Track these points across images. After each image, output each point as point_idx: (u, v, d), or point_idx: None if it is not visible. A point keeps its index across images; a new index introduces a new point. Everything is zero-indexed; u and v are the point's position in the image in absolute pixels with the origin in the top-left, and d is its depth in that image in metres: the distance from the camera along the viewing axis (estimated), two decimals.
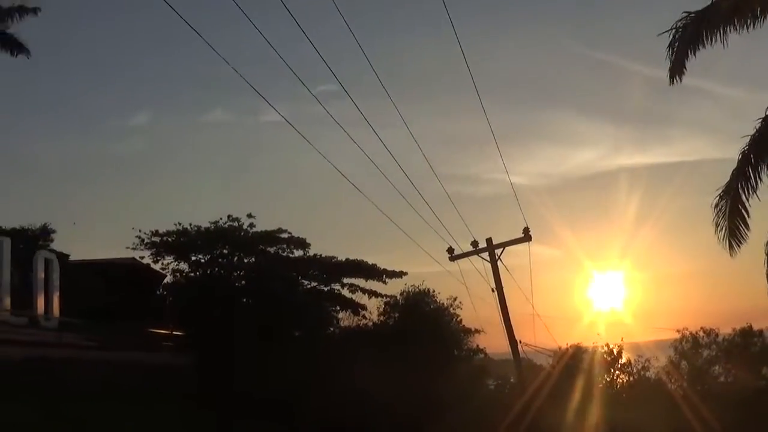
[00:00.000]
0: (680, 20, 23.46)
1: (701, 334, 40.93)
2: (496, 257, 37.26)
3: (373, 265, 44.41)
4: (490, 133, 39.92)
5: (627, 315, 57.97)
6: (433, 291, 43.79)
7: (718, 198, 24.57)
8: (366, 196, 27.39)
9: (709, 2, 23.16)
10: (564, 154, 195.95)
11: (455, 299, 43.87)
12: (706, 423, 32.56)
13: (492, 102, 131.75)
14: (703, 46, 23.26)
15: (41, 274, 39.24)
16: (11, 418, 20.55)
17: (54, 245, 47.41)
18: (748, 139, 23.89)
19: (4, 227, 44.55)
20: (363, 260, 44.55)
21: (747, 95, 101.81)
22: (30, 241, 45.31)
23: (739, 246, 24.63)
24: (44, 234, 48.48)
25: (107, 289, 42.55)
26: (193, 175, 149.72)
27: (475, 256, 37.78)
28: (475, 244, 37.43)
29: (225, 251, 39.95)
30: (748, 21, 22.73)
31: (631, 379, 42.05)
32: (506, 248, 37.67)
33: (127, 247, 39.73)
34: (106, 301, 40.89)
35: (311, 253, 42.61)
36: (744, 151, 23.95)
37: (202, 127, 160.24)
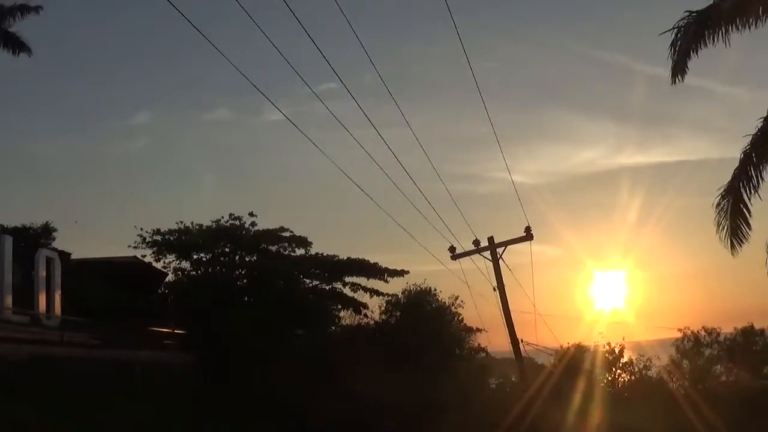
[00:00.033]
0: (682, 19, 23.48)
1: (703, 333, 40.93)
2: (498, 256, 37.29)
3: (375, 264, 44.44)
4: (492, 132, 39.96)
5: (629, 314, 58.11)
6: (435, 290, 43.80)
7: (719, 197, 24.60)
8: (368, 194, 27.41)
9: (711, 2, 23.18)
10: (566, 153, 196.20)
11: (457, 298, 43.89)
12: (707, 422, 32.55)
13: (494, 101, 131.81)
14: (705, 46, 23.27)
15: (43, 273, 39.30)
16: (13, 415, 20.56)
17: (55, 244, 47.48)
18: (749, 139, 23.91)
19: (5, 226, 44.60)
20: (365, 259, 44.61)
21: (749, 94, 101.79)
22: (32, 240, 45.36)
23: (740, 245, 24.67)
24: (46, 232, 48.54)
25: (109, 288, 42.62)
26: (195, 174, 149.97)
27: (477, 254, 37.81)
28: (476, 242, 37.45)
29: (227, 250, 40.00)
30: (750, 20, 22.74)
31: (633, 378, 42.02)
32: (508, 247, 37.71)
33: (129, 246, 39.80)
34: (108, 300, 40.96)
35: (313, 251, 42.71)
36: (746, 151, 23.97)
37: (203, 126, 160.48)
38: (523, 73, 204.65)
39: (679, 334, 41.46)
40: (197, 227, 39.71)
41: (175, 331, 40.21)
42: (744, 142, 24.11)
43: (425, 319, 40.94)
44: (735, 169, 24.24)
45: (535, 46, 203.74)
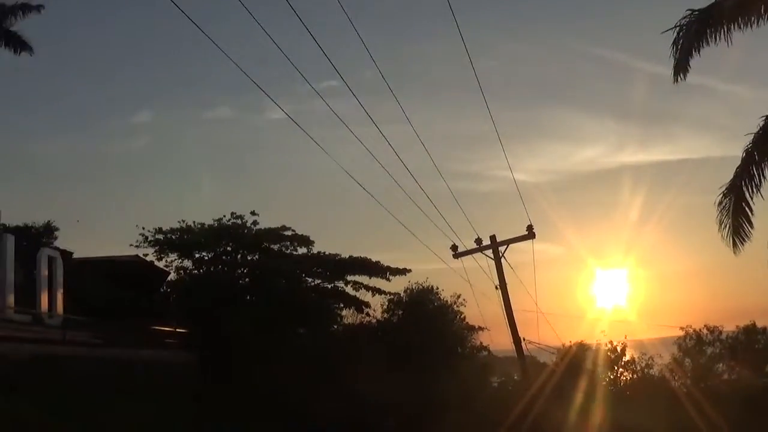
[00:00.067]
0: (684, 18, 23.46)
1: (705, 331, 40.93)
2: (500, 254, 37.28)
3: (377, 263, 44.37)
4: (492, 130, 39.85)
5: (631, 312, 58.06)
6: (437, 288, 43.85)
7: (721, 196, 24.60)
8: (370, 193, 27.43)
9: (713, 0, 23.16)
10: (568, 151, 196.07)
11: (459, 296, 43.93)
12: (709, 420, 32.55)
13: (495, 99, 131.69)
14: (707, 44, 23.26)
15: (45, 272, 39.30)
16: (15, 415, 20.57)
17: (57, 243, 47.47)
18: (751, 137, 23.89)
19: (7, 225, 44.56)
20: (367, 258, 44.53)
21: (751, 93, 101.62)
22: (33, 239, 45.35)
23: (742, 243, 24.68)
24: (48, 231, 48.52)
25: (111, 287, 42.62)
26: (196, 173, 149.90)
27: (479, 253, 37.79)
28: (479, 241, 37.44)
29: (229, 249, 39.97)
30: (752, 19, 22.72)
31: (635, 376, 42.02)
32: (510, 245, 37.70)
33: (131, 245, 39.75)
34: (110, 299, 40.96)
35: (315, 250, 42.62)
36: (748, 149, 23.96)
37: (205, 124, 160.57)
38: (524, 72, 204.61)
39: (682, 333, 41.48)
40: (199, 226, 39.69)
41: (177, 330, 40.20)
42: (746, 141, 24.12)
43: (427, 317, 40.97)
44: (737, 168, 24.24)
45: (535, 45, 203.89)
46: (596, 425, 35.51)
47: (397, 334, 39.15)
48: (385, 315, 43.04)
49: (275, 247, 41.21)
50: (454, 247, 37.78)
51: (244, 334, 32.33)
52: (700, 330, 41.02)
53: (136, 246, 39.61)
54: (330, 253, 43.26)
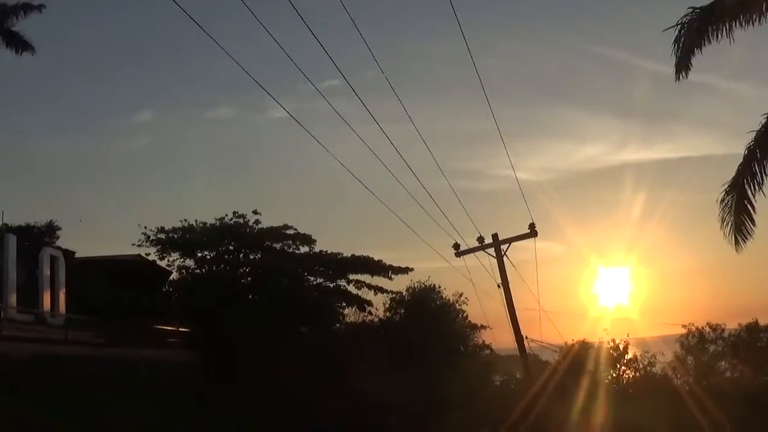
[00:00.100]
0: (685, 16, 23.42)
1: (707, 329, 40.86)
2: (502, 253, 37.28)
3: (379, 261, 44.39)
4: (495, 128, 39.93)
5: (633, 310, 57.93)
6: (439, 287, 43.90)
7: (723, 193, 24.53)
8: (372, 191, 27.40)
9: None
10: (569, 149, 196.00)
11: (461, 295, 43.97)
12: (712, 418, 32.51)
13: (496, 98, 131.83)
14: (709, 42, 23.22)
15: (47, 272, 39.30)
16: (17, 414, 20.59)
17: (60, 242, 47.44)
18: (753, 135, 23.85)
19: (9, 224, 44.63)
20: (369, 256, 44.56)
21: (752, 91, 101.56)
22: (36, 239, 45.35)
23: (745, 241, 24.61)
24: (50, 231, 48.53)
25: (113, 286, 42.60)
26: (198, 172, 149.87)
27: (481, 251, 37.79)
28: (480, 239, 37.42)
29: (231, 248, 40.02)
30: (754, 17, 22.69)
31: (637, 374, 41.96)
32: (512, 244, 37.69)
33: (133, 244, 39.84)
34: (112, 298, 40.94)
35: (317, 249, 42.68)
36: (750, 147, 23.91)
37: (206, 124, 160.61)
38: (526, 70, 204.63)
39: (684, 331, 41.41)
40: (201, 225, 39.73)
41: (179, 329, 40.22)
42: (748, 138, 24.06)
43: (429, 316, 40.99)
44: (739, 165, 24.18)
45: (537, 43, 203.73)
46: (599, 423, 35.49)
47: (400, 332, 39.18)
48: (388, 314, 43.08)
49: (277, 246, 41.24)
50: (456, 246, 37.78)
51: (246, 333, 32.37)
52: (702, 328, 40.95)
53: (139, 245, 39.73)
54: (332, 252, 43.29)
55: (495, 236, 37.21)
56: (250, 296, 38.96)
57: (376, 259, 44.56)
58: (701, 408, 33.21)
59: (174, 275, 43.11)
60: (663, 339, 46.06)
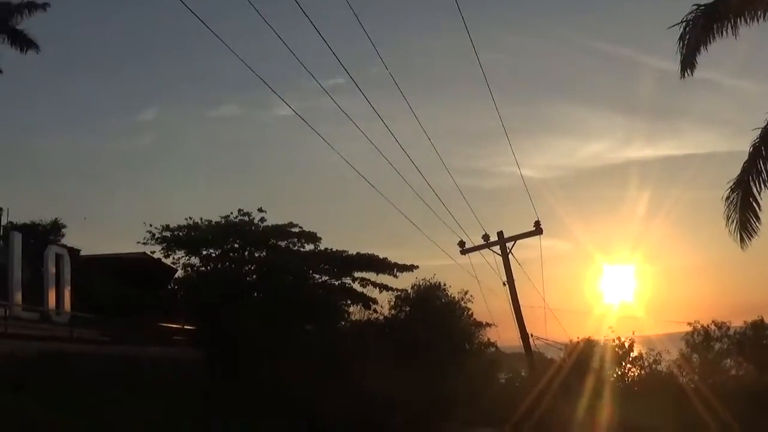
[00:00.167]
0: (690, 13, 23.41)
1: (713, 327, 40.73)
2: (508, 250, 37.31)
3: (384, 259, 44.33)
4: (500, 126, 40.01)
5: (638, 308, 57.82)
6: (444, 284, 43.78)
7: (729, 191, 24.54)
8: (377, 189, 27.45)
9: None
10: (574, 146, 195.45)
11: (466, 293, 43.85)
12: (717, 416, 32.47)
13: (501, 94, 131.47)
14: (714, 39, 23.23)
15: (52, 269, 39.44)
16: (23, 412, 20.61)
17: (65, 240, 47.68)
18: (759, 132, 23.83)
19: (15, 222, 44.78)
20: (374, 254, 44.47)
21: (757, 87, 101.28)
22: (41, 237, 45.53)
23: (750, 239, 24.62)
24: (55, 229, 48.70)
25: (118, 284, 42.74)
26: (203, 170, 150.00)
27: (487, 249, 37.85)
28: (486, 237, 37.52)
29: (236, 246, 39.97)
30: (759, 13, 22.69)
31: (643, 372, 41.86)
32: (517, 241, 37.73)
33: (138, 242, 39.76)
34: (117, 296, 41.07)
35: (322, 247, 42.62)
36: (755, 144, 23.90)
37: (211, 122, 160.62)
38: (529, 66, 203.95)
39: (689, 328, 41.32)
40: (206, 223, 39.69)
41: (185, 327, 40.25)
42: (753, 136, 24.06)
43: (434, 314, 40.93)
44: (744, 163, 24.18)
45: (540, 39, 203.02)
46: (604, 421, 35.43)
47: (405, 330, 39.12)
48: (393, 311, 42.98)
49: (282, 243, 41.20)
50: (461, 244, 37.86)
51: (251, 331, 32.35)
52: (707, 326, 40.83)
53: (144, 243, 39.63)
54: (337, 250, 43.25)
55: (500, 234, 37.31)
56: (256, 294, 38.95)
57: (381, 256, 44.53)
58: (706, 406, 33.18)
59: (179, 273, 43.06)
60: (668, 337, 45.93)
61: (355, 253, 43.79)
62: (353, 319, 43.01)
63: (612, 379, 40.00)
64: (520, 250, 38.17)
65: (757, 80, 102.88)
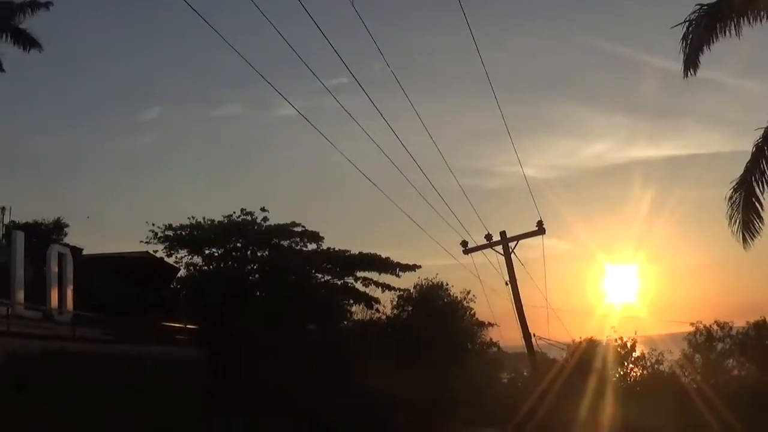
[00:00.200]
0: (693, 13, 23.40)
1: (715, 327, 40.71)
2: (510, 250, 37.31)
3: (387, 259, 44.36)
4: (502, 125, 39.85)
5: (641, 308, 57.77)
6: (447, 284, 43.79)
7: (731, 191, 24.53)
8: (379, 188, 27.46)
9: None
10: (577, 146, 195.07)
11: (469, 292, 43.85)
12: (719, 416, 32.45)
13: (504, 93, 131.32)
14: (717, 39, 23.22)
15: (55, 268, 39.49)
16: (25, 411, 20.62)
17: (67, 239, 47.77)
18: (761, 132, 23.82)
19: (17, 221, 44.83)
20: (376, 254, 44.51)
21: (760, 87, 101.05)
22: (43, 235, 45.58)
23: (752, 239, 24.61)
24: (58, 228, 48.76)
25: (121, 283, 42.77)
26: (206, 169, 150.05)
27: (489, 249, 37.84)
28: (488, 237, 37.52)
29: (238, 245, 40.00)
30: (762, 13, 22.68)
31: (645, 372, 41.85)
32: (520, 241, 37.73)
33: (141, 241, 39.80)
34: (120, 295, 41.10)
35: (325, 246, 42.68)
36: (758, 144, 23.89)
37: (213, 121, 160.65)
38: (531, 64, 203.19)
39: (692, 328, 41.29)
40: (209, 222, 39.72)
41: (187, 326, 40.27)
42: (756, 135, 24.04)
43: (437, 313, 40.92)
44: (747, 163, 24.17)
45: (542, 37, 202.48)
46: (606, 421, 35.42)
47: (407, 330, 39.12)
48: (395, 311, 42.98)
49: (285, 243, 41.23)
50: (464, 243, 37.87)
51: (253, 330, 32.36)
52: (710, 326, 40.80)
53: (146, 242, 39.68)
54: (339, 249, 43.30)
55: (503, 234, 37.32)
56: (258, 293, 38.96)
57: (383, 256, 44.57)
58: (709, 406, 33.16)
59: (182, 272, 43.12)
60: (671, 337, 45.90)
61: (357, 253, 43.84)
62: (356, 318, 43.05)
63: (614, 379, 40.00)
64: (523, 250, 38.24)
65: (760, 80, 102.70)
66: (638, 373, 41.62)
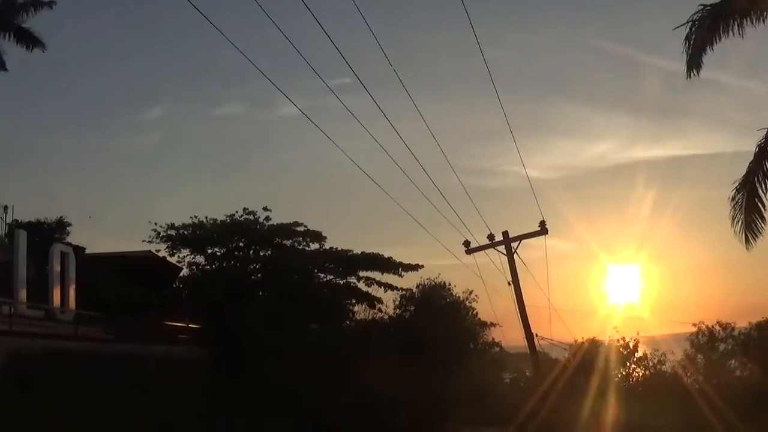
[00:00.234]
0: (696, 13, 23.38)
1: (717, 327, 40.70)
2: (513, 250, 37.28)
3: (389, 258, 44.37)
4: (505, 125, 39.88)
5: (643, 308, 57.73)
6: (449, 284, 43.80)
7: (734, 191, 24.51)
8: (382, 188, 27.45)
9: None
10: (580, 146, 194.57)
11: (471, 292, 43.84)
12: (721, 416, 32.43)
13: (506, 93, 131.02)
14: (720, 40, 23.20)
15: (57, 268, 39.47)
16: (28, 410, 20.63)
17: (70, 238, 47.72)
18: (764, 132, 23.80)
19: (20, 220, 44.84)
20: (379, 253, 44.52)
21: (764, 88, 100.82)
22: (46, 235, 45.56)
23: (755, 239, 24.58)
24: (60, 227, 48.75)
25: (123, 283, 42.75)
26: (208, 168, 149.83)
27: (492, 249, 37.80)
28: (491, 237, 37.47)
29: (241, 244, 40.03)
30: (764, 14, 22.66)
31: (647, 373, 41.82)
32: (522, 241, 37.70)
33: (143, 240, 39.86)
34: (122, 295, 41.08)
35: (327, 246, 42.70)
36: (761, 144, 23.87)
37: (215, 120, 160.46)
38: (534, 65, 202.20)
39: (694, 329, 41.27)
40: (211, 222, 39.76)
41: (189, 325, 40.28)
42: (759, 136, 24.02)
43: (439, 313, 40.91)
44: (750, 163, 24.15)
45: (544, 37, 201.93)
46: (608, 422, 35.40)
47: (409, 330, 39.13)
48: (397, 311, 43.00)
49: (287, 242, 41.26)
50: (466, 243, 37.81)
51: (256, 330, 32.37)
52: (712, 326, 40.79)
53: (149, 242, 39.74)
54: (342, 249, 43.31)
55: (505, 234, 37.27)
56: (260, 293, 38.99)
57: (386, 256, 44.59)
58: (711, 406, 33.14)
59: (184, 272, 43.19)
60: (673, 337, 45.91)
61: (360, 252, 43.86)
62: (358, 318, 43.07)
63: (617, 379, 39.98)
64: (525, 250, 38.17)
65: (763, 80, 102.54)
66: (640, 374, 41.61)
